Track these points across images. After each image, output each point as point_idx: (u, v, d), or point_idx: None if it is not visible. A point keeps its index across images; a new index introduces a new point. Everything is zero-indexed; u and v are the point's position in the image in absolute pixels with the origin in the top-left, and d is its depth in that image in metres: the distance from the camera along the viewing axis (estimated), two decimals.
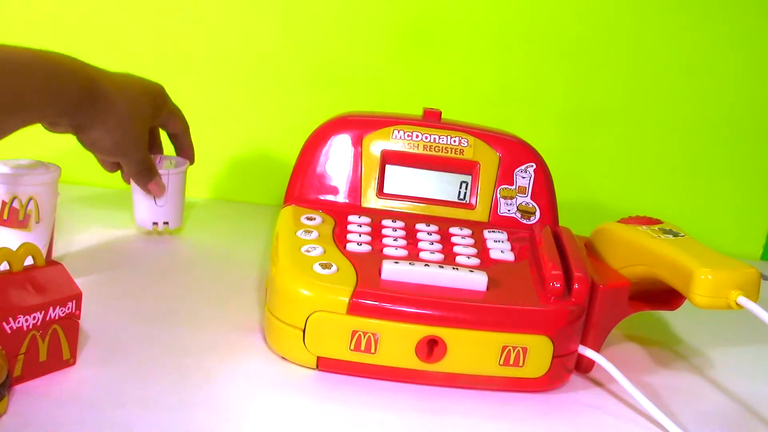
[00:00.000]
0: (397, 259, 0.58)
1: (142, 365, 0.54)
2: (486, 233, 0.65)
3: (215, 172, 0.96)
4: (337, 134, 0.69)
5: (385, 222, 0.65)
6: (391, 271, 0.56)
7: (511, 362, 0.55)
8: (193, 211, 0.91)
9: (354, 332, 0.54)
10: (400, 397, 0.54)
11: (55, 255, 0.70)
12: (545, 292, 0.57)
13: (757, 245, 1.04)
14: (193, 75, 0.91)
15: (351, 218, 0.65)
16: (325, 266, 0.56)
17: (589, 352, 0.58)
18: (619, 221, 0.68)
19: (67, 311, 0.50)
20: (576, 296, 0.56)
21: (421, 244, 0.62)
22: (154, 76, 0.89)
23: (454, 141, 0.69)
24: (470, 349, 0.54)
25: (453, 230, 0.65)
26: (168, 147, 0.78)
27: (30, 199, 0.63)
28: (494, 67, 0.94)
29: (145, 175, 0.72)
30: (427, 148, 0.69)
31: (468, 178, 0.69)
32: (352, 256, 0.58)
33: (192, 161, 0.79)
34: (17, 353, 0.48)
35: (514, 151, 0.70)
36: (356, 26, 0.91)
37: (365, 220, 0.65)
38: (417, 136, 0.69)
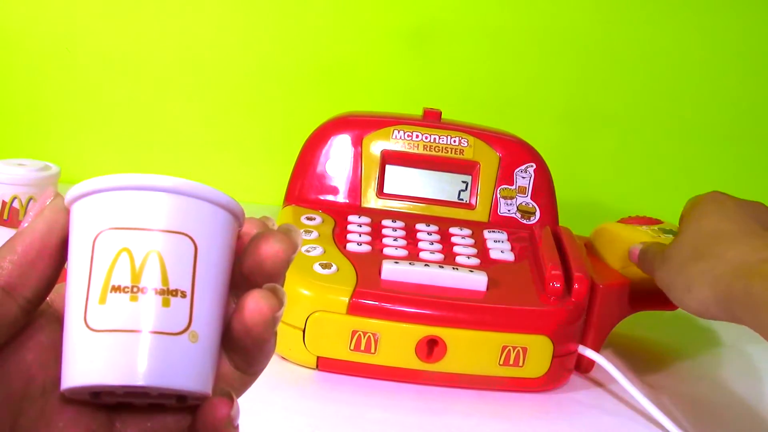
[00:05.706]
0: (397, 259, 0.58)
1: None
2: (486, 233, 0.65)
3: (214, 172, 0.96)
4: (337, 134, 0.69)
5: (385, 222, 0.65)
6: (391, 271, 0.56)
7: (511, 362, 0.55)
8: None
9: (354, 332, 0.54)
10: (400, 397, 0.54)
11: None
12: (545, 292, 0.57)
13: None
14: (192, 75, 0.91)
15: (351, 218, 0.65)
16: (325, 266, 0.56)
17: (589, 352, 0.58)
18: (619, 221, 0.68)
19: None
20: (576, 296, 0.56)
21: (421, 244, 0.62)
22: (152, 75, 0.89)
23: (454, 141, 0.69)
24: (470, 349, 0.54)
25: (453, 230, 0.65)
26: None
27: (30, 199, 0.63)
28: (494, 67, 0.94)
29: None
30: (427, 148, 0.69)
31: (468, 178, 0.69)
32: (352, 256, 0.58)
33: None
34: None
35: (514, 151, 0.70)
36: (356, 26, 0.91)
37: (365, 220, 0.65)
38: (417, 136, 0.69)
